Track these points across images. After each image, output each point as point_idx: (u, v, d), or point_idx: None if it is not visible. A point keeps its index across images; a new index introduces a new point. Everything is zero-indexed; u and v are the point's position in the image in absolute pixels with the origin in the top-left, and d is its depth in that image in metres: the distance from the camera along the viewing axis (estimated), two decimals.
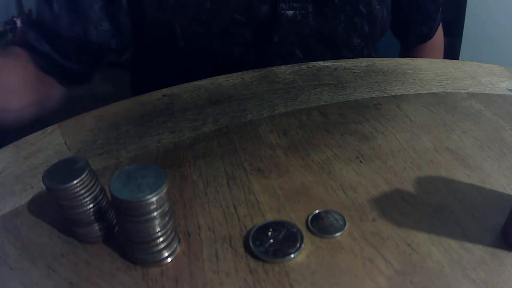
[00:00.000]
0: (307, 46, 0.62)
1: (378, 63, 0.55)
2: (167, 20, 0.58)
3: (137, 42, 0.64)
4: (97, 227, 0.30)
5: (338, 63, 0.55)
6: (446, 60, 0.56)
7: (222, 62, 0.61)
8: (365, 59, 0.56)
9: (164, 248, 0.28)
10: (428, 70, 0.53)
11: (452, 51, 1.94)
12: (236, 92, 0.49)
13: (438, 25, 0.78)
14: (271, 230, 0.30)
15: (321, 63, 0.55)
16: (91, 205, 0.29)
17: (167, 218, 0.27)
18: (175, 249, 0.29)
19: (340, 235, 0.30)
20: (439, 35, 0.81)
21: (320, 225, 0.31)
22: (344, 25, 0.62)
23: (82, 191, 0.28)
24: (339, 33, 0.62)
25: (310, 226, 0.31)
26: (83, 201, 0.28)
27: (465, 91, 0.48)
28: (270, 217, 0.32)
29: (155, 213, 0.26)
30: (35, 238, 0.31)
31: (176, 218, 0.32)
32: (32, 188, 0.36)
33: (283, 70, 0.53)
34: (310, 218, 0.32)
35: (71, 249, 0.30)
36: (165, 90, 0.50)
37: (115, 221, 0.31)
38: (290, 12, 0.59)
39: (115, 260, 0.29)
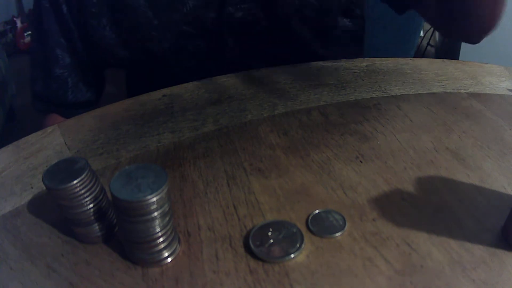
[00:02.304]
0: (262, 43, 0.61)
1: (378, 63, 0.55)
2: (122, 42, 0.59)
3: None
4: (97, 227, 0.30)
5: (338, 63, 0.55)
6: (446, 60, 0.56)
7: (180, 76, 0.61)
8: (365, 59, 0.56)
9: (164, 248, 0.28)
10: (428, 70, 0.53)
11: (452, 51, 1.94)
12: (236, 92, 0.49)
13: None
14: (271, 230, 0.30)
15: (321, 63, 0.55)
16: (91, 205, 0.29)
17: (167, 218, 0.27)
18: (175, 249, 0.29)
19: (340, 235, 0.30)
20: None
21: (320, 225, 0.31)
22: (298, 19, 0.60)
23: (82, 191, 0.28)
24: (293, 28, 0.60)
25: (310, 226, 0.31)
26: (83, 201, 0.28)
27: (465, 91, 0.48)
28: (270, 217, 0.32)
29: (156, 213, 0.26)
30: (35, 238, 0.31)
31: (176, 218, 0.32)
32: (32, 188, 0.36)
33: (283, 70, 0.53)
34: (310, 218, 0.32)
35: (71, 249, 0.30)
36: (165, 90, 0.50)
37: (115, 221, 0.31)
38: (239, 14, 0.57)
39: (115, 260, 0.29)
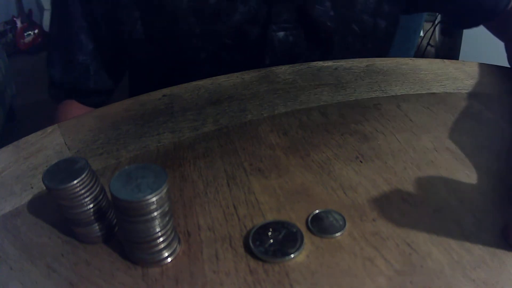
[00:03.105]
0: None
1: (378, 63, 0.55)
2: (153, 41, 0.57)
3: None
4: (97, 227, 0.30)
5: (338, 63, 0.55)
6: (446, 60, 0.56)
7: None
8: (365, 59, 0.56)
9: (164, 248, 0.28)
10: (428, 70, 0.53)
11: (452, 51, 1.94)
12: (236, 92, 0.49)
13: None
14: (271, 230, 0.30)
15: (321, 63, 0.55)
16: (91, 205, 0.29)
17: (167, 218, 0.27)
18: (175, 249, 0.29)
19: (340, 235, 0.30)
20: None
21: (320, 225, 0.31)
22: (339, 45, 0.60)
23: (82, 191, 0.28)
24: (332, 53, 0.61)
25: (310, 226, 0.31)
26: (83, 201, 0.28)
27: (465, 91, 0.48)
28: (270, 217, 0.32)
29: (155, 213, 0.26)
30: (35, 238, 0.31)
31: (176, 218, 0.32)
32: (32, 188, 0.36)
33: (283, 70, 0.53)
34: (310, 218, 0.32)
35: (71, 249, 0.30)
36: (165, 90, 0.50)
37: (115, 221, 0.31)
38: (281, 34, 0.57)
39: (115, 260, 0.29)
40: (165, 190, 0.26)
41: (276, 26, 0.57)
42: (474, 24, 0.64)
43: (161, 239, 0.28)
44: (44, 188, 0.29)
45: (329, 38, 0.60)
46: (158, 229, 0.27)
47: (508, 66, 0.55)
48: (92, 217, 0.29)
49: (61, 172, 0.28)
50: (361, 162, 0.37)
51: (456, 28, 0.71)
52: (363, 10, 0.59)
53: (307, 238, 0.30)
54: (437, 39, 2.10)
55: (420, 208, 0.33)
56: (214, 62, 0.58)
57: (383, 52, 0.68)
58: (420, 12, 0.71)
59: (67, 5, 0.57)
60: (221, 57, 0.58)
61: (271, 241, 0.30)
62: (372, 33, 0.62)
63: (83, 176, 0.28)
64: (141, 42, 0.58)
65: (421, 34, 2.07)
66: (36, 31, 2.57)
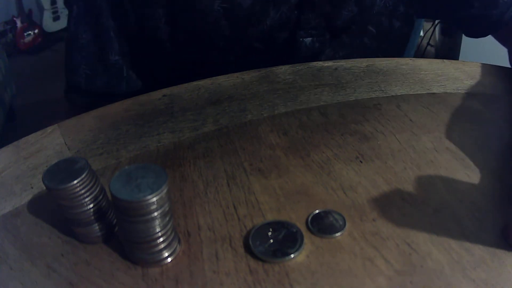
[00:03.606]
0: None
1: (378, 63, 0.55)
2: (177, 41, 0.56)
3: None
4: (97, 227, 0.30)
5: (338, 63, 0.55)
6: (446, 60, 0.56)
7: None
8: (365, 59, 0.56)
9: (164, 248, 0.28)
10: (428, 70, 0.53)
11: (452, 51, 1.94)
12: (236, 92, 0.49)
13: None
14: (271, 230, 0.30)
15: (321, 63, 0.55)
16: (91, 205, 0.29)
17: (167, 218, 0.27)
18: (175, 249, 0.29)
19: (340, 235, 0.30)
20: None
21: (320, 225, 0.31)
22: (356, 48, 0.61)
23: (82, 191, 0.28)
24: (352, 56, 0.61)
25: (310, 226, 0.31)
26: (83, 201, 0.28)
27: (465, 91, 0.48)
28: (270, 217, 0.32)
29: (156, 213, 0.26)
30: (35, 238, 0.31)
31: (176, 218, 0.32)
32: (32, 188, 0.36)
33: (283, 70, 0.53)
34: (310, 218, 0.32)
35: (71, 249, 0.30)
36: (165, 90, 0.50)
37: (115, 221, 0.31)
38: (308, 40, 0.58)
39: (115, 260, 0.29)
40: (165, 190, 0.26)
41: (304, 32, 0.58)
42: (482, 34, 0.65)
43: (161, 239, 0.28)
44: (44, 188, 0.29)
45: (350, 42, 0.61)
46: (158, 229, 0.27)
47: (509, 66, 0.55)
48: (92, 217, 0.29)
49: (61, 172, 0.28)
50: (361, 162, 0.37)
51: (466, 35, 0.72)
52: (380, 12, 0.59)
53: (307, 238, 0.30)
54: (437, 39, 2.10)
55: (420, 208, 0.33)
56: (241, 65, 0.58)
57: (398, 53, 0.68)
58: (427, 18, 0.72)
59: (93, 0, 0.53)
60: (248, 61, 0.58)
61: (271, 241, 0.30)
62: (387, 33, 0.63)
63: (83, 176, 0.28)
64: (163, 41, 0.56)
65: (421, 34, 2.07)
66: (36, 31, 2.57)
